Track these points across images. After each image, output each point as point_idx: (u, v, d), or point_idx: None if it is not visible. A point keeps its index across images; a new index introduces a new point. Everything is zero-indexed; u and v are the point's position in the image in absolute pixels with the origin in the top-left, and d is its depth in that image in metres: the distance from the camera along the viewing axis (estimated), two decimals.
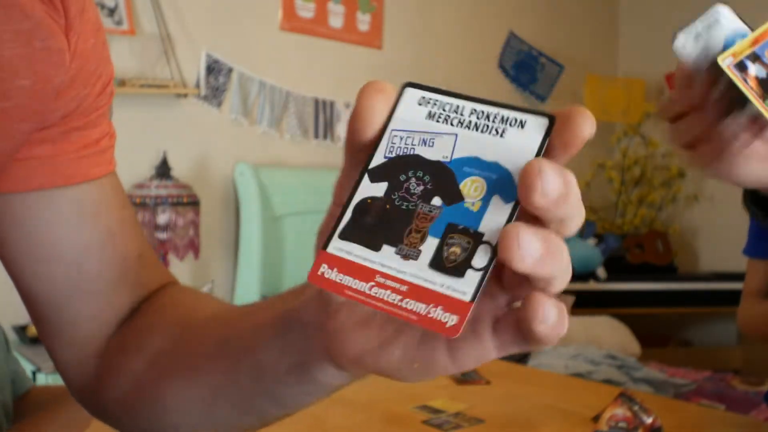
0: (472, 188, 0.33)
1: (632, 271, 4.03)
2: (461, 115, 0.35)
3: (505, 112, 0.34)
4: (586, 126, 0.32)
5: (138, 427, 0.57)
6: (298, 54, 3.38)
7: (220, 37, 3.15)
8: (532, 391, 1.50)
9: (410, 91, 0.36)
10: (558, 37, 4.33)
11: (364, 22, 3.58)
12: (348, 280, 0.34)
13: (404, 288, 0.33)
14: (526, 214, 0.32)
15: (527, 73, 4.21)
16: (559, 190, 0.31)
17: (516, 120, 0.34)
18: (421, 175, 0.34)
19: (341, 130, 3.50)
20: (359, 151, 0.36)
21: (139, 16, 2.92)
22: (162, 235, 2.87)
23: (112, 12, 2.81)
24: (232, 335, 0.49)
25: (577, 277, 3.79)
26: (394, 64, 3.69)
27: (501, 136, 0.33)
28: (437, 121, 0.35)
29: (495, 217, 0.32)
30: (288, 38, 3.35)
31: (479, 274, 0.32)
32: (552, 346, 0.35)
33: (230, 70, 3.17)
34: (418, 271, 0.33)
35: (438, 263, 0.33)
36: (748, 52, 0.65)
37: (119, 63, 2.86)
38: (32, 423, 1.14)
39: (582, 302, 3.68)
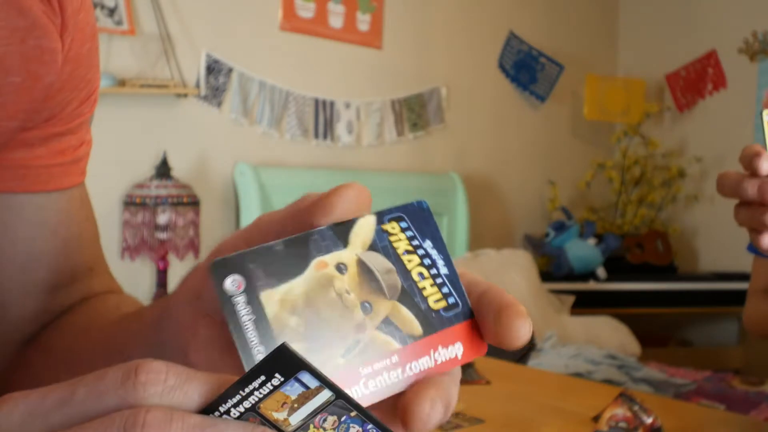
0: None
1: (632, 271, 4.02)
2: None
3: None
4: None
5: None
6: (298, 54, 3.38)
7: (220, 37, 3.15)
8: (532, 391, 1.49)
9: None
10: (558, 37, 4.32)
11: (364, 22, 3.58)
12: None
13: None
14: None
15: (527, 73, 4.21)
16: None
17: None
18: None
19: (341, 130, 3.50)
20: None
21: (139, 16, 2.92)
22: (162, 235, 2.86)
23: (112, 12, 2.81)
24: (112, 342, 0.48)
25: (577, 277, 3.79)
26: (394, 64, 3.69)
27: None
28: None
29: None
30: (288, 38, 3.35)
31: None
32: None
33: (230, 70, 3.17)
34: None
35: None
36: None
37: (119, 63, 2.86)
38: None
39: (582, 302, 3.69)
